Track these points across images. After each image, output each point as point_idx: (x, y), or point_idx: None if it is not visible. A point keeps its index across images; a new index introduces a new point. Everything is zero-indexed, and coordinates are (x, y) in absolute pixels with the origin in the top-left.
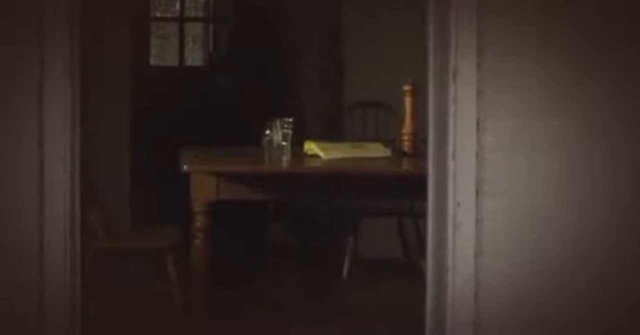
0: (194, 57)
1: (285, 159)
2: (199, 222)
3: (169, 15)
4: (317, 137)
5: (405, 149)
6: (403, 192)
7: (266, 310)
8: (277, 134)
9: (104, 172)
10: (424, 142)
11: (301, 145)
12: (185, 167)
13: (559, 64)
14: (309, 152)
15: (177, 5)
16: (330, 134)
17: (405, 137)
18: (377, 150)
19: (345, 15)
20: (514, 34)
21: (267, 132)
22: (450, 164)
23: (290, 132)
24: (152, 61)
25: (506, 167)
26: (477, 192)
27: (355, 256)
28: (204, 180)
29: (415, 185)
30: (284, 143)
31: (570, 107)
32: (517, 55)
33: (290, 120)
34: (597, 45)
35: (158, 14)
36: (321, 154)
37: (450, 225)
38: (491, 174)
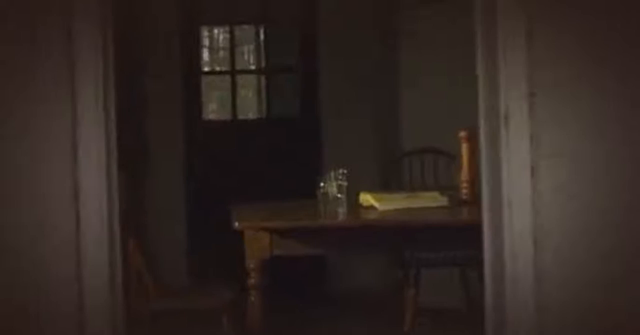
0: (248, 110)
1: (342, 211)
2: (253, 279)
3: (221, 69)
4: (375, 186)
5: (464, 196)
6: (463, 242)
7: None
8: (332, 186)
9: (162, 229)
10: None
11: (356, 196)
12: (236, 224)
13: (614, 109)
14: (365, 204)
15: (228, 58)
16: (387, 182)
17: (464, 185)
18: (433, 200)
19: (400, 61)
20: (565, 77)
21: (322, 184)
22: (506, 212)
23: (345, 183)
24: (205, 116)
25: (563, 214)
26: (535, 242)
27: (416, 308)
28: (257, 237)
29: (475, 234)
30: (339, 195)
31: (627, 150)
32: (570, 97)
33: (345, 171)
34: None
35: (208, 68)
36: (377, 205)
37: (507, 278)
38: (549, 222)
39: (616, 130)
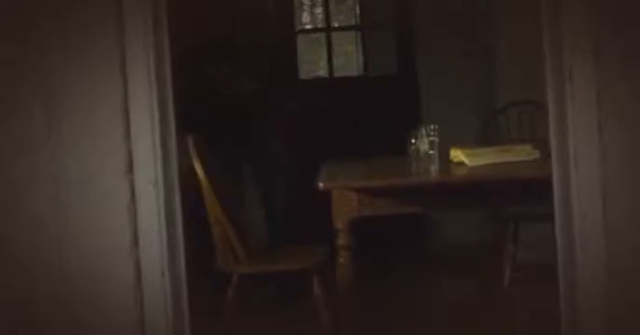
0: (345, 68)
1: (434, 168)
2: (342, 240)
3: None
4: (474, 141)
5: None
6: None
7: (422, 322)
8: (424, 142)
9: (256, 193)
10: None
11: (447, 153)
12: (321, 184)
13: None
14: (455, 160)
15: (323, 16)
16: (486, 137)
17: None
18: (525, 153)
19: (495, 12)
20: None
21: (413, 141)
22: (573, 170)
23: (437, 139)
24: (301, 75)
25: (631, 172)
26: (604, 201)
27: (514, 263)
28: (345, 197)
29: None
30: (431, 152)
31: None
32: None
33: (436, 127)
34: None
35: (303, 27)
36: (467, 161)
37: (577, 236)
38: (615, 181)
39: None
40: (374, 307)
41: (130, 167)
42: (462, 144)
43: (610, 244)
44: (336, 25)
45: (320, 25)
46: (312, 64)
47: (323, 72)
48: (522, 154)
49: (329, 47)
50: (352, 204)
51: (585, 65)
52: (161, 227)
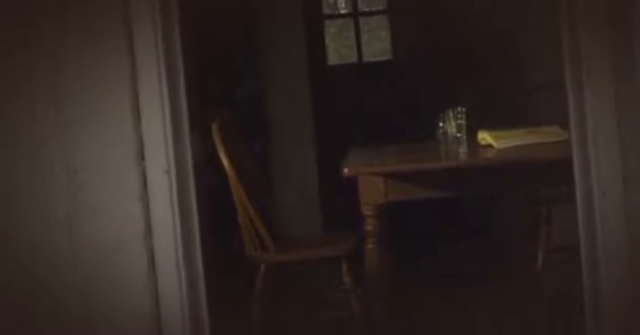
0: (373, 52)
1: (462, 151)
2: (370, 226)
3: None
4: (503, 123)
5: None
6: None
7: (455, 307)
8: (451, 125)
9: (289, 178)
10: None
11: (475, 135)
12: (345, 170)
13: None
14: (482, 142)
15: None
16: (516, 117)
17: None
18: (553, 134)
19: None
20: None
21: (441, 124)
22: (592, 150)
23: (464, 122)
24: (330, 60)
25: None
26: (624, 180)
27: (548, 245)
28: (371, 182)
29: None
30: (458, 134)
31: None
32: None
33: (464, 109)
34: None
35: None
36: (494, 143)
37: (597, 216)
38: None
39: None
40: (405, 295)
41: (142, 155)
42: (493, 127)
43: (629, 222)
44: (365, 9)
45: (346, 11)
46: (341, 49)
47: (352, 58)
48: (549, 135)
49: (357, 32)
50: (378, 189)
51: (602, 45)
52: (174, 216)
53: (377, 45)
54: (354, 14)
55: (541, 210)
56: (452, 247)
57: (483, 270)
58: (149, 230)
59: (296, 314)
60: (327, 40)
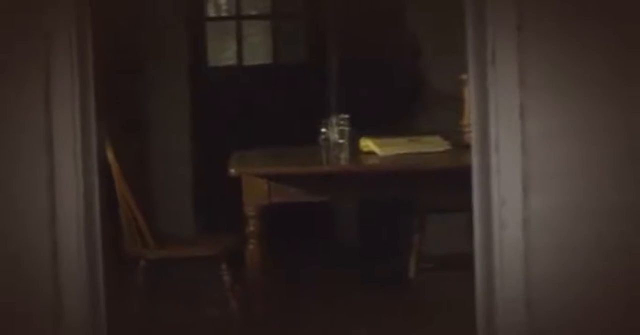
0: (254, 56)
1: (343, 157)
2: (252, 226)
3: (226, 14)
4: (384, 131)
5: (467, 140)
6: (468, 186)
7: (328, 310)
8: (334, 131)
9: (167, 178)
10: None
11: (357, 142)
12: (232, 170)
13: (606, 45)
14: (365, 149)
15: (235, 4)
16: (396, 127)
17: (466, 129)
18: (435, 144)
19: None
20: (556, 14)
21: (323, 130)
22: (493, 157)
23: (347, 128)
24: (211, 62)
25: (552, 156)
26: (524, 187)
27: (421, 254)
28: (255, 184)
29: None
30: (340, 141)
31: (619, 88)
32: (562, 38)
33: (347, 116)
34: None
35: (214, 14)
36: (377, 150)
37: (495, 224)
38: (537, 166)
39: (608, 67)
40: (283, 294)
41: (50, 140)
42: (375, 134)
43: (528, 231)
44: (249, 13)
45: (227, 14)
46: (221, 52)
47: (232, 61)
48: (431, 144)
49: (238, 35)
50: (262, 190)
51: (509, 49)
52: (79, 203)
53: (259, 49)
54: (237, 16)
55: (415, 219)
56: (330, 249)
57: (361, 274)
58: (53, 217)
59: (175, 311)
60: (209, 42)
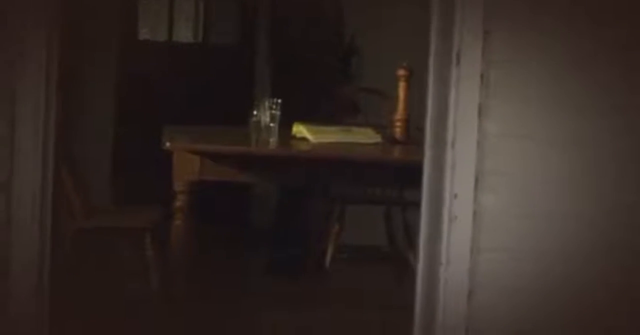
0: (185, 33)
1: (272, 140)
2: (179, 201)
3: None
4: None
5: (397, 135)
6: (392, 180)
7: (246, 296)
8: (265, 114)
9: (88, 147)
10: (418, 129)
11: (290, 127)
12: (167, 144)
13: (570, 48)
14: (298, 135)
15: None
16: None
17: (398, 124)
18: (367, 136)
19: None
20: (523, 17)
21: (255, 112)
22: (449, 153)
23: (278, 113)
24: (141, 36)
25: (508, 157)
26: (476, 183)
27: (339, 243)
28: (187, 159)
29: (405, 174)
30: (271, 124)
31: (582, 97)
32: (527, 40)
33: (279, 100)
34: (614, 29)
35: None
36: (310, 137)
37: (445, 218)
38: (492, 165)
39: (570, 73)
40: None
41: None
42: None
43: (478, 225)
44: None
45: None
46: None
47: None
48: (364, 136)
49: (170, 11)
50: (193, 166)
51: (475, 52)
52: (36, 168)
53: (189, 26)
54: None
55: (335, 208)
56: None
57: (283, 260)
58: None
59: (96, 283)
60: (140, 15)
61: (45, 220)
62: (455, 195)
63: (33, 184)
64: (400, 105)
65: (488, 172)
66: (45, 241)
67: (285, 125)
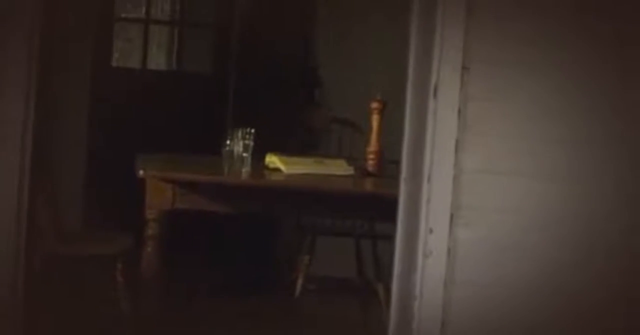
0: (158, 61)
1: (245, 170)
2: (151, 229)
3: (134, 16)
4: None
5: (370, 168)
6: (363, 213)
7: (217, 324)
8: (238, 144)
9: (59, 171)
10: (392, 162)
11: (263, 158)
12: (141, 172)
13: (548, 85)
14: (271, 165)
15: (144, 7)
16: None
17: (371, 156)
18: (340, 168)
19: (318, 28)
20: (501, 49)
21: (228, 142)
22: (425, 186)
23: (251, 143)
24: (115, 63)
25: (484, 191)
26: (452, 218)
27: (308, 274)
28: (160, 187)
29: (376, 207)
30: (244, 154)
31: (557, 133)
32: (504, 74)
33: (252, 130)
34: (594, 63)
35: (123, 15)
36: (283, 167)
37: (420, 253)
38: (468, 199)
39: (548, 110)
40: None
41: None
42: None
43: (452, 259)
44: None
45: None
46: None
47: (135, 63)
48: (337, 167)
49: (145, 38)
50: (166, 195)
51: (451, 82)
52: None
53: (163, 54)
54: (146, 21)
55: (306, 239)
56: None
57: (252, 288)
58: None
59: (66, 307)
60: (115, 42)
61: (19, 244)
62: (431, 230)
63: (9, 208)
64: (374, 138)
65: (464, 207)
66: (18, 263)
67: (257, 154)
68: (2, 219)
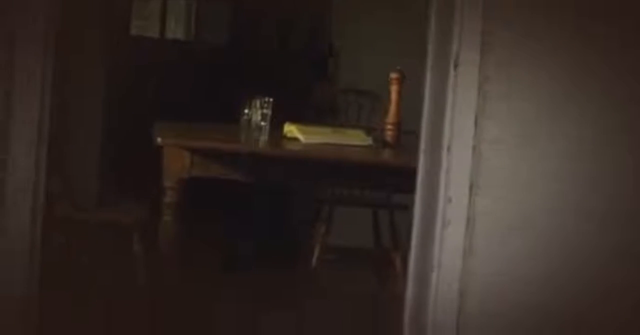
0: (176, 30)
1: (263, 139)
2: (169, 197)
3: None
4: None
5: (388, 139)
6: (381, 183)
7: (233, 296)
8: (256, 113)
9: (75, 142)
10: (407, 133)
11: (280, 127)
12: (159, 139)
13: (570, 59)
14: (289, 135)
15: None
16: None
17: (389, 127)
18: (358, 138)
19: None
20: (522, 22)
21: (246, 111)
22: (444, 157)
23: (269, 112)
24: (133, 31)
25: (503, 162)
26: (471, 188)
27: (325, 244)
28: (177, 155)
29: (394, 177)
30: (262, 123)
31: (580, 107)
32: (526, 46)
33: (271, 100)
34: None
35: None
36: (301, 137)
37: (439, 222)
38: (487, 169)
39: (572, 76)
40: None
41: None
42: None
43: (471, 229)
44: None
45: None
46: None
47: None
48: (355, 138)
49: (163, 8)
50: (183, 162)
51: (472, 53)
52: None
53: (181, 24)
54: None
55: (323, 209)
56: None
57: (268, 258)
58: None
59: (83, 277)
60: (134, 11)
61: (37, 212)
62: (450, 200)
63: (27, 177)
64: (393, 109)
65: (483, 177)
66: (35, 232)
67: (275, 124)
68: (19, 188)
